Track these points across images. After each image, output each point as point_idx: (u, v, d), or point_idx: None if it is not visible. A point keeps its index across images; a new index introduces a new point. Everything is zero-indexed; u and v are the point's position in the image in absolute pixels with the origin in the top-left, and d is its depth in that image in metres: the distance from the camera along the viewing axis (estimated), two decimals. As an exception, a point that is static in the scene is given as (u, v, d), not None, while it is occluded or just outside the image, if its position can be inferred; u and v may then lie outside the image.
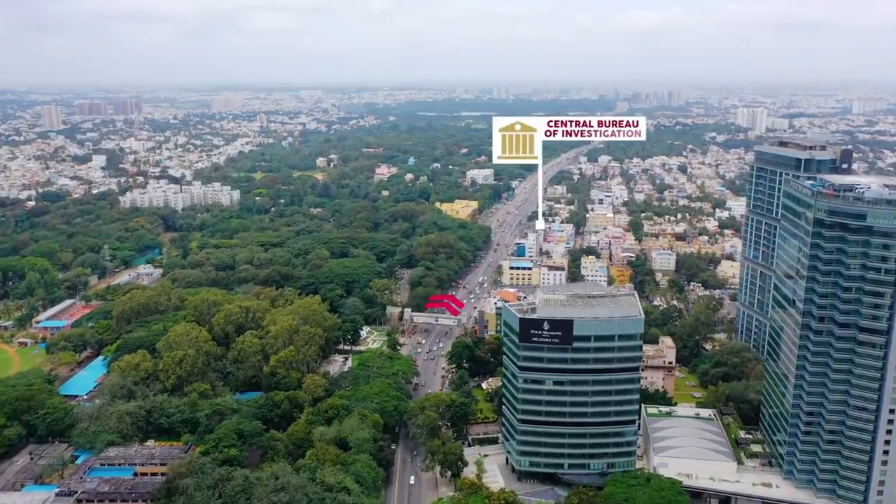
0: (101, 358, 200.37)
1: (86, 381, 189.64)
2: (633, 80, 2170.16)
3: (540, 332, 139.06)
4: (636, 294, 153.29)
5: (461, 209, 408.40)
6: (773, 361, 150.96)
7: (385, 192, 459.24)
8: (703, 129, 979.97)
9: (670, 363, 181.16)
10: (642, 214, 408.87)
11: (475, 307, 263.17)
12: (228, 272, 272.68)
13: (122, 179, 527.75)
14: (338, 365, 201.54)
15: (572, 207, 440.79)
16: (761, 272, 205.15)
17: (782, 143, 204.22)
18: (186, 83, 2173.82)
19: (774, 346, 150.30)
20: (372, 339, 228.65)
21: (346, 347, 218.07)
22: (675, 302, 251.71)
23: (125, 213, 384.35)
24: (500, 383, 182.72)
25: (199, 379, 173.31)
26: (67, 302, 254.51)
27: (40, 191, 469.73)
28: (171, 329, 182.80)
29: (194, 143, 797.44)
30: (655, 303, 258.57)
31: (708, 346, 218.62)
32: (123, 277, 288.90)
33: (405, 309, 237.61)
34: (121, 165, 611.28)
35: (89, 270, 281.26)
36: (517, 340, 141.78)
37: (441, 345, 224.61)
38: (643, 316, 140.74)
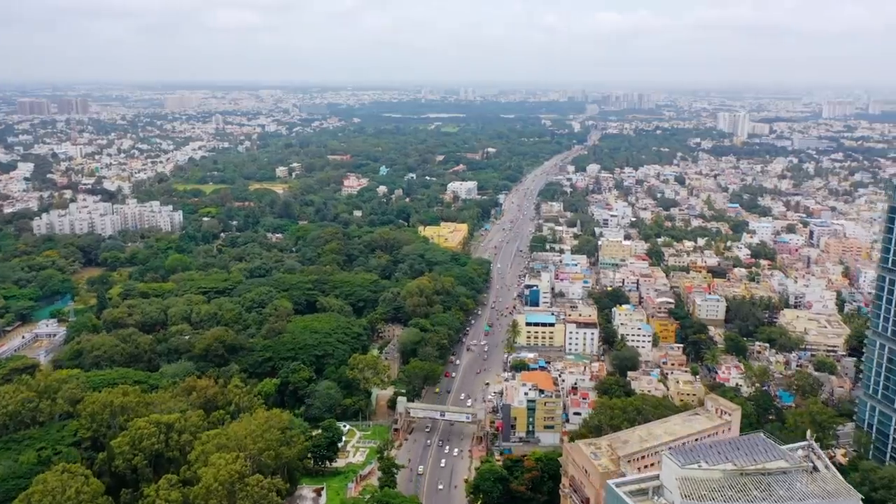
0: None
1: None
2: (599, 82, 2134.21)
3: (688, 554, 75.71)
4: (825, 457, 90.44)
5: (449, 234, 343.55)
6: None
7: (357, 212, 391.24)
8: (685, 133, 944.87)
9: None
10: (659, 240, 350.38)
11: (486, 383, 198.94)
12: (157, 335, 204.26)
13: (46, 194, 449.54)
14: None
15: (576, 230, 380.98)
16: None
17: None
18: (142, 81, 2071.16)
19: None
20: (353, 445, 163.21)
21: (320, 465, 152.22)
22: (755, 379, 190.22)
23: (35, 244, 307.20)
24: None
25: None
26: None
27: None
28: (37, 479, 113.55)
29: (140, 148, 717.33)
30: (723, 375, 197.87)
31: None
32: (14, 341, 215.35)
33: (399, 398, 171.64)
34: (49, 175, 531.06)
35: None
36: (641, 562, 78.11)
37: (453, 465, 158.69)
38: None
